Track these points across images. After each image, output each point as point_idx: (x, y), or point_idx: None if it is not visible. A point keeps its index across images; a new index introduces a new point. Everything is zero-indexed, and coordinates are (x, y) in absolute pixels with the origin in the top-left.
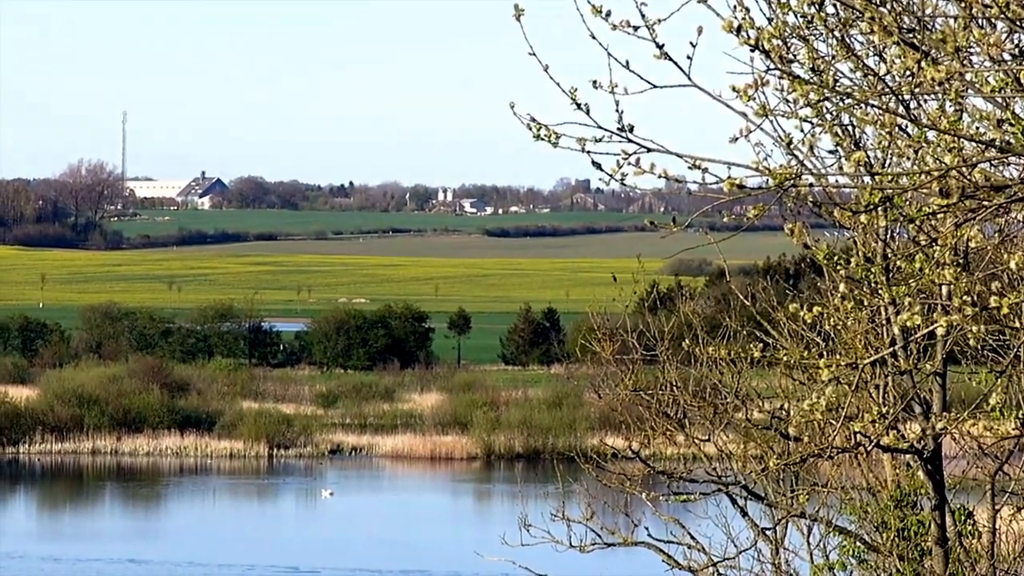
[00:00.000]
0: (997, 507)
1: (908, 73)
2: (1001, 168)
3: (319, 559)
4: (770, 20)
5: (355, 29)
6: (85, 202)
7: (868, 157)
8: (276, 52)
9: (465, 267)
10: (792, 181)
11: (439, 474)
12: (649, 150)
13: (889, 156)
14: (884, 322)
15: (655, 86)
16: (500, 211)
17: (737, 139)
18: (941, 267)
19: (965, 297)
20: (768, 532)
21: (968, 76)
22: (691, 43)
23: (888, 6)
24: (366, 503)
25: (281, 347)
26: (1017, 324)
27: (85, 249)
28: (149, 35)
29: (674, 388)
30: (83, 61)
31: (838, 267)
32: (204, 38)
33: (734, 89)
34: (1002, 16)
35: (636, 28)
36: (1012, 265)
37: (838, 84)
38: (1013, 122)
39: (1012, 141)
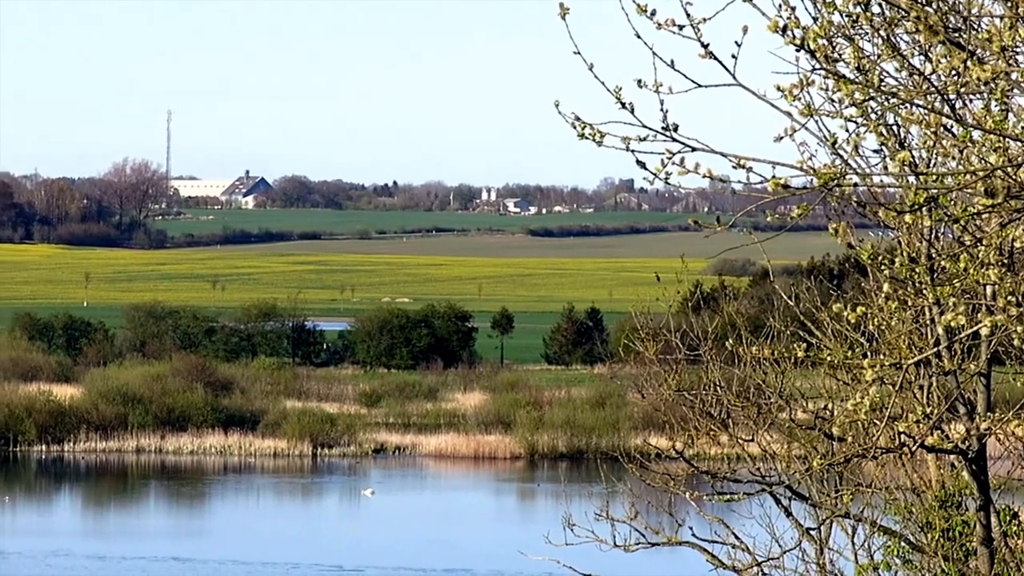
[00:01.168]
0: None
1: (953, 72)
2: None
3: (362, 558)
4: (815, 20)
5: (399, 28)
6: (129, 201)
7: (913, 157)
8: (320, 51)
9: (508, 267)
10: (836, 181)
11: (482, 473)
12: (693, 149)
13: (934, 156)
14: (928, 322)
15: (700, 85)
16: (544, 211)
17: (782, 138)
18: (986, 267)
19: (1010, 297)
20: (812, 532)
21: (1014, 75)
22: (736, 43)
23: (934, 5)
24: (409, 502)
25: (325, 346)
26: None
27: (129, 248)
28: (193, 33)
29: (718, 388)
30: (127, 59)
31: (882, 267)
32: (249, 36)
33: (779, 89)
34: None
35: (681, 27)
36: None
37: (883, 84)
38: None
39: None
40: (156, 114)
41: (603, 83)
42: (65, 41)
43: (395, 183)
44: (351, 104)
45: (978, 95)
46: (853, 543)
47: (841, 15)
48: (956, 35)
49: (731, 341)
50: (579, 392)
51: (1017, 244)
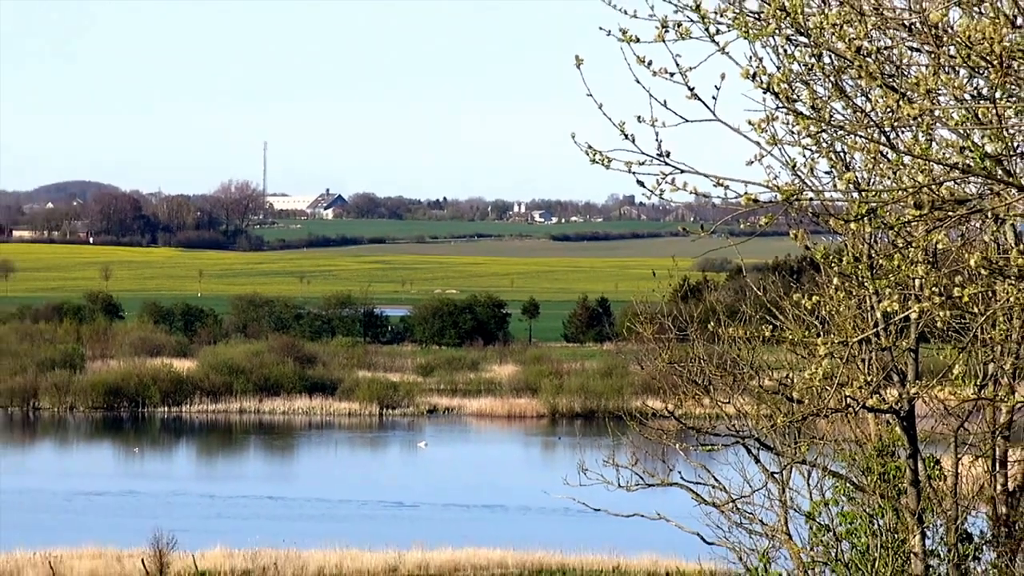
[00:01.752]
0: (959, 456)
1: (888, 110)
2: (963, 185)
3: (418, 496)
4: (778, 68)
5: (448, 79)
6: (234, 213)
7: (856, 177)
8: (384, 92)
9: (535, 265)
10: (796, 196)
11: (513, 429)
12: (682, 171)
13: (873, 176)
14: (869, 309)
15: (687, 120)
16: (563, 220)
17: (752, 162)
18: (915, 265)
19: (934, 288)
20: (776, 475)
21: (937, 112)
22: (715, 86)
23: (872, 56)
24: (455, 452)
25: (389, 328)
26: (975, 310)
27: (233, 250)
28: (283, 79)
29: (701, 361)
30: (233, 100)
31: (832, 265)
32: (328, 82)
33: (750, 123)
34: (964, 64)
35: (672, 74)
36: (971, 263)
37: (832, 119)
38: (972, 149)
39: (971, 164)
40: (255, 143)
41: (610, 119)
42: (183, 86)
43: (445, 198)
44: (410, 133)
45: (908, 127)
46: (808, 484)
47: (799, 64)
48: (890, 80)
49: (712, 324)
50: (591, 364)
51: (940, 246)
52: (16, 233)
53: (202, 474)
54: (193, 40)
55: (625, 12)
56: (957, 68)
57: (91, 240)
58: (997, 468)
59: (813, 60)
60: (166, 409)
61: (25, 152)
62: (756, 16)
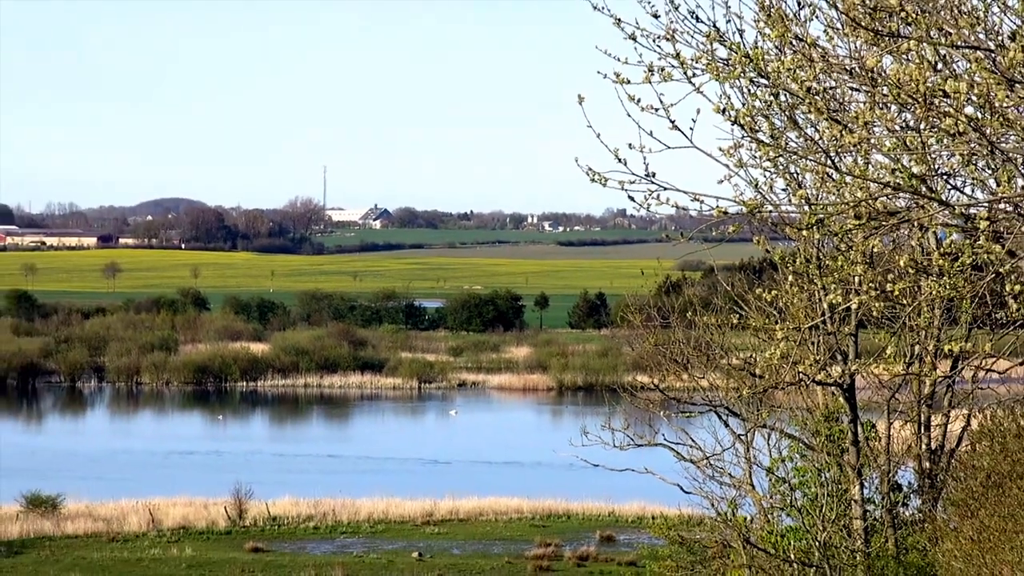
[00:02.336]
0: (891, 421)
1: (833, 138)
2: (894, 200)
3: (449, 455)
4: (743, 104)
5: (476, 112)
6: (299, 224)
7: (807, 193)
8: (422, 118)
9: (545, 266)
10: (758, 209)
11: (527, 400)
12: (665, 188)
13: (821, 192)
14: (817, 301)
15: (669, 147)
16: (567, 229)
17: (722, 181)
18: (855, 265)
19: (870, 284)
20: (742, 437)
21: (872, 140)
22: (692, 119)
23: (820, 95)
24: (479, 419)
25: (426, 317)
26: (904, 302)
27: (299, 254)
28: (340, 110)
29: (680, 344)
30: (298, 129)
31: (788, 265)
32: (377, 111)
33: (720, 149)
34: (895, 101)
35: (656, 109)
36: (901, 263)
37: (788, 146)
38: (902, 170)
39: (901, 183)
40: (317, 166)
41: (606, 146)
42: (257, 116)
43: (471, 211)
44: (444, 157)
45: (849, 153)
46: (768, 444)
47: (760, 101)
48: (835, 114)
49: (689, 313)
50: (591, 346)
51: (875, 249)
52: (122, 240)
53: (273, 437)
54: (265, 78)
55: (618, 59)
56: (889, 104)
57: (183, 246)
58: (922, 431)
59: (772, 98)
60: (244, 384)
61: (128, 174)
62: (725, 62)
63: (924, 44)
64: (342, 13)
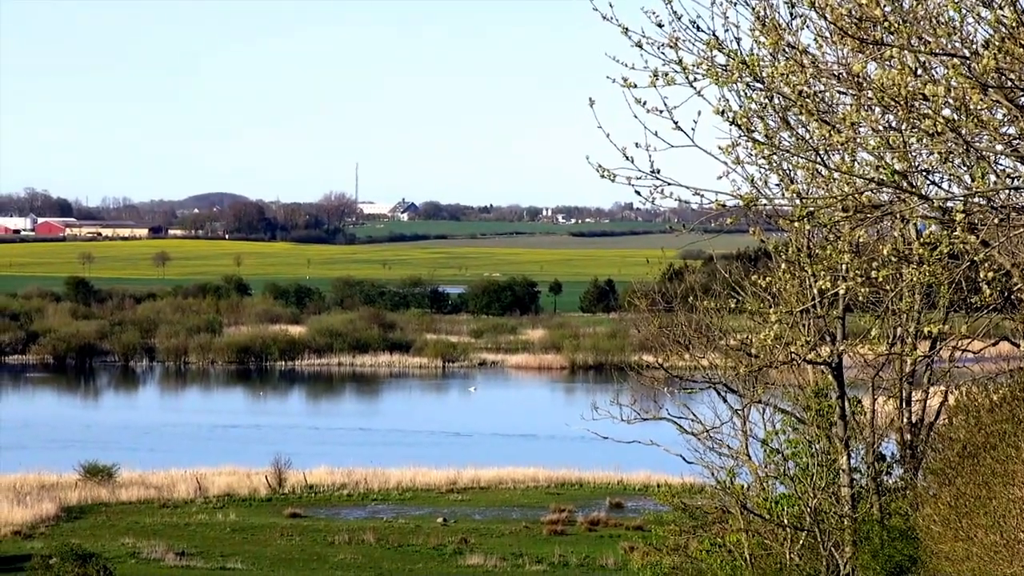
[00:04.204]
0: (875, 397)
1: (823, 138)
2: (878, 194)
3: (470, 427)
4: (740, 106)
5: (491, 103)
6: (333, 216)
7: (799, 188)
8: (446, 119)
9: (558, 255)
10: (753, 203)
11: (542, 378)
12: (668, 184)
13: (811, 187)
14: (808, 286)
15: (672, 146)
16: (579, 221)
17: (721, 177)
18: (842, 254)
19: (856, 271)
20: (739, 412)
21: (858, 139)
22: (694, 120)
23: (810, 98)
24: (498, 395)
25: (449, 302)
26: (887, 287)
27: (333, 244)
28: (372, 105)
29: (683, 326)
30: (329, 123)
31: (781, 254)
32: (403, 109)
33: (719, 148)
34: (879, 104)
35: (661, 111)
36: (884, 252)
37: (781, 144)
38: (885, 167)
39: (884, 178)
40: (349, 162)
41: (615, 145)
42: (294, 116)
43: (491, 205)
44: (466, 153)
45: (837, 151)
46: (763, 418)
47: (755, 104)
48: (824, 115)
49: (691, 298)
50: (601, 328)
51: (861, 239)
52: (171, 232)
53: (310, 412)
54: (300, 80)
55: (626, 65)
56: (873, 106)
57: (227, 237)
58: (904, 406)
59: (766, 100)
60: (282, 363)
61: (177, 170)
62: (724, 68)
63: (905, 51)
64: (370, 26)
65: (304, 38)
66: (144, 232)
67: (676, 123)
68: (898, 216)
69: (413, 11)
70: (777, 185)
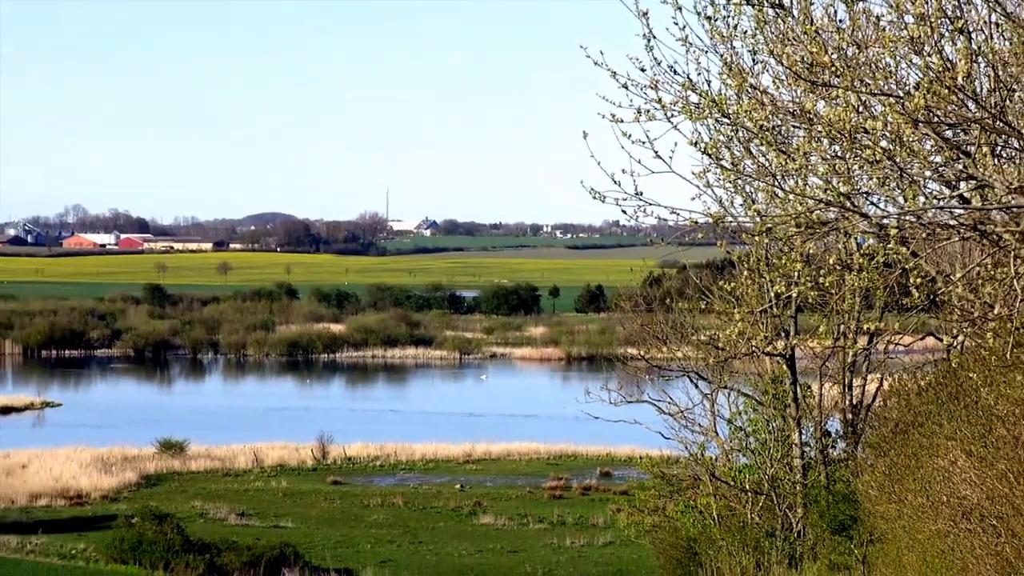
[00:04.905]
0: (822, 383)
1: (779, 165)
2: (825, 212)
3: (482, 408)
4: (711, 138)
5: (501, 131)
6: (367, 232)
7: (759, 208)
8: (466, 144)
9: (556, 264)
10: (720, 220)
11: (543, 368)
12: (650, 204)
13: (769, 207)
14: (766, 291)
15: (653, 172)
16: (574, 236)
17: (694, 198)
18: (795, 263)
19: (806, 278)
20: (708, 396)
21: (809, 167)
22: (671, 150)
23: (769, 131)
24: (505, 382)
25: (465, 304)
26: (833, 291)
27: (368, 256)
28: (401, 135)
29: (661, 324)
30: (363, 151)
31: (743, 262)
32: (428, 137)
33: (693, 173)
34: (827, 136)
35: (643, 142)
36: (831, 261)
37: (744, 171)
38: (831, 190)
39: (831, 200)
40: (381, 186)
41: (605, 171)
42: (335, 144)
43: (500, 222)
44: (479, 177)
45: (791, 176)
46: (728, 401)
47: (723, 136)
48: (781, 146)
49: (668, 300)
50: (592, 326)
51: (811, 251)
52: (231, 245)
53: (348, 396)
54: (339, 114)
55: (614, 103)
56: (822, 138)
57: (278, 249)
58: (846, 391)
59: (732, 133)
60: (325, 356)
61: (237, 192)
62: (696, 106)
63: (849, 92)
64: (403, 71)
65: (349, 84)
66: (209, 246)
67: (656, 153)
68: (842, 231)
69: (424, 57)
70: (741, 205)
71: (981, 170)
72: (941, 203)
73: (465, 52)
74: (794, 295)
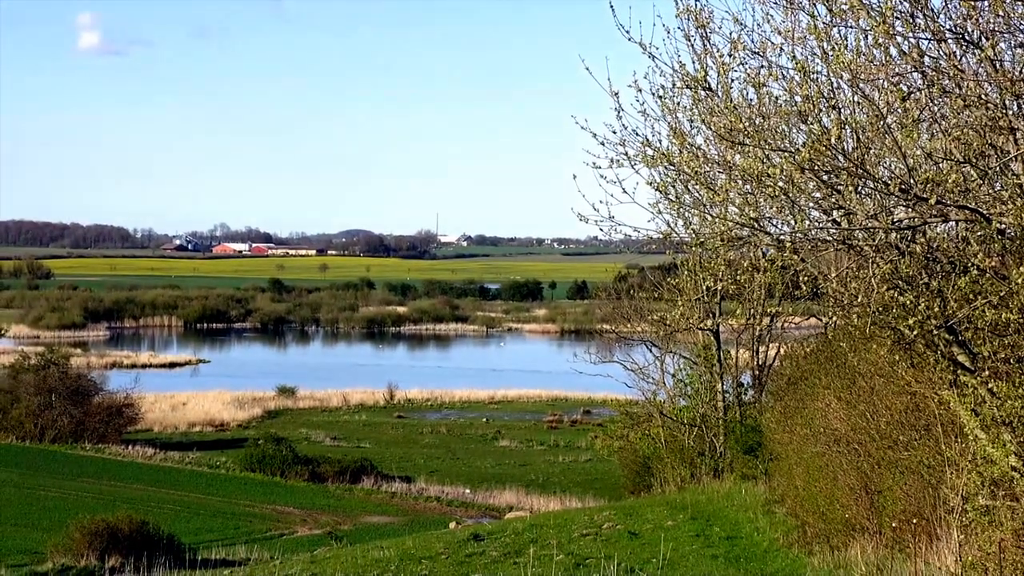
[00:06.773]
0: (738, 349)
1: (709, 198)
2: (741, 231)
3: (500, 364)
4: (662, 178)
5: (521, 156)
6: (423, 243)
7: (695, 228)
8: (493, 168)
9: (554, 266)
10: (669, 236)
11: (544, 339)
12: (620, 224)
13: (702, 227)
14: (699, 285)
15: (621, 202)
16: (566, 246)
17: (651, 220)
18: (719, 266)
19: (728, 277)
20: (659, 358)
21: (729, 200)
22: (634, 186)
23: (701, 175)
24: (519, 348)
25: (490, 293)
26: (747, 286)
27: (423, 260)
28: (445, 163)
29: (626, 307)
30: (421, 178)
31: (684, 266)
32: (475, 171)
33: (649, 204)
34: (742, 178)
35: (615, 182)
36: (744, 265)
37: (684, 202)
38: (744, 216)
39: (744, 223)
40: (432, 209)
41: (589, 202)
42: (401, 173)
43: (515, 236)
44: (503, 204)
45: (717, 205)
46: (673, 362)
47: (670, 177)
48: (710, 185)
49: (631, 291)
50: (579, 310)
51: (731, 258)
52: (329, 252)
53: (408, 356)
54: (410, 147)
55: (594, 155)
56: (738, 180)
57: (361, 255)
58: (755, 355)
59: (676, 176)
60: (393, 329)
61: (332, 212)
62: (652, 157)
63: (757, 148)
64: (440, 108)
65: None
66: (313, 252)
67: (624, 189)
68: (752, 244)
69: (451, 99)
70: (682, 226)
71: (848, 202)
72: (820, 225)
73: (490, 112)
74: (719, 288)
